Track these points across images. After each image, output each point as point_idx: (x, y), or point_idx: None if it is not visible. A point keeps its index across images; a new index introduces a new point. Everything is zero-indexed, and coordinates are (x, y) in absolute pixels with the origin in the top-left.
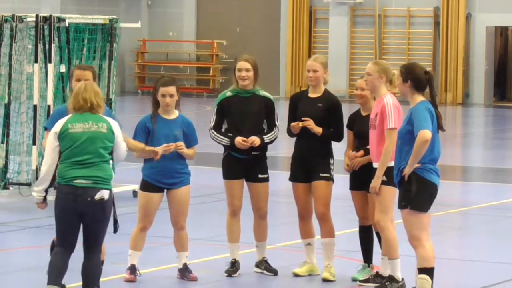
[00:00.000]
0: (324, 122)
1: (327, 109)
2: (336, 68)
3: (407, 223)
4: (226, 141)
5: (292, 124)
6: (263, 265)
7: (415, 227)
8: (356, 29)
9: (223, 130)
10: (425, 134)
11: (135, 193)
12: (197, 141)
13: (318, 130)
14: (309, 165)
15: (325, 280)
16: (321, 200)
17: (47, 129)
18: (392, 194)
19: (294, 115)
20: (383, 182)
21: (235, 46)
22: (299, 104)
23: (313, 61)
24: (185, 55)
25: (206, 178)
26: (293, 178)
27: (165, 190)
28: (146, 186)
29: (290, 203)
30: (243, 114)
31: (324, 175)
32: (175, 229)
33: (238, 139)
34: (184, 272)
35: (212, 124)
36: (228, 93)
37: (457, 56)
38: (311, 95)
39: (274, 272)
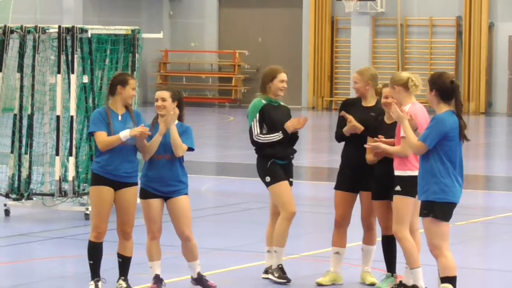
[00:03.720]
0: None
1: (381, 119)
2: None
3: (429, 231)
4: (278, 136)
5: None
6: (278, 272)
7: (436, 236)
8: (378, 39)
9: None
10: (419, 148)
11: None
12: (193, 145)
13: (360, 127)
14: (359, 176)
15: (371, 285)
16: (370, 211)
17: (93, 132)
18: (408, 204)
19: (344, 121)
20: (398, 193)
21: (257, 56)
22: (352, 111)
23: (355, 73)
24: (207, 65)
25: (228, 188)
26: (339, 186)
27: (165, 202)
28: (145, 193)
29: (313, 212)
30: (280, 122)
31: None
32: (182, 240)
33: (293, 123)
34: (201, 281)
35: (257, 131)
36: (263, 101)
37: (480, 66)
38: (364, 104)
39: (287, 280)
